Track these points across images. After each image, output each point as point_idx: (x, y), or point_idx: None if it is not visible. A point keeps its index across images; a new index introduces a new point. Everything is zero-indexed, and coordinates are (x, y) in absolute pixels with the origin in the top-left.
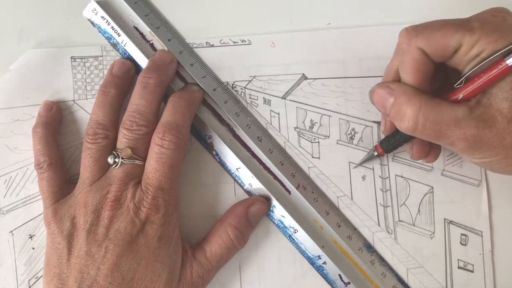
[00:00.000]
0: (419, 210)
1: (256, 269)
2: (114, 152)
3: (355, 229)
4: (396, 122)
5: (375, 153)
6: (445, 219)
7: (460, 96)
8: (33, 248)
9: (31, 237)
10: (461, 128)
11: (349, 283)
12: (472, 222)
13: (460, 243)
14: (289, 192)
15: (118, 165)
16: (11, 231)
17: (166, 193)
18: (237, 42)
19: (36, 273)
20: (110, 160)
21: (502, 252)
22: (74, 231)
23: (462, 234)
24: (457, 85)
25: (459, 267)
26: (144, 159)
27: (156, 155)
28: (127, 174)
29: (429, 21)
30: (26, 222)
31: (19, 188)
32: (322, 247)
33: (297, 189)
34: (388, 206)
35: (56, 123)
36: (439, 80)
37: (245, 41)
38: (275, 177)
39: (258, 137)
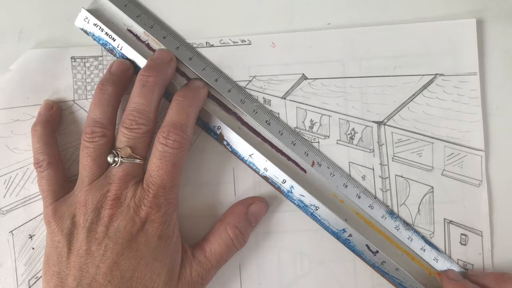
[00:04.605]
0: (419, 210)
1: (256, 269)
2: (114, 151)
3: (375, 197)
4: None
5: None
6: (445, 219)
7: None
8: (33, 248)
9: (31, 237)
10: None
11: (377, 251)
12: (472, 222)
13: (460, 243)
14: (305, 171)
15: (118, 164)
16: (11, 231)
17: (167, 191)
18: (237, 42)
19: (36, 273)
20: (109, 159)
21: (502, 252)
22: (74, 230)
23: (462, 234)
24: None
25: (459, 267)
26: (143, 158)
27: (160, 154)
28: (127, 173)
29: None
30: (26, 222)
31: (19, 188)
32: (345, 220)
33: (312, 166)
34: (388, 206)
35: (55, 122)
36: None
37: (245, 41)
38: (289, 158)
39: (267, 120)
